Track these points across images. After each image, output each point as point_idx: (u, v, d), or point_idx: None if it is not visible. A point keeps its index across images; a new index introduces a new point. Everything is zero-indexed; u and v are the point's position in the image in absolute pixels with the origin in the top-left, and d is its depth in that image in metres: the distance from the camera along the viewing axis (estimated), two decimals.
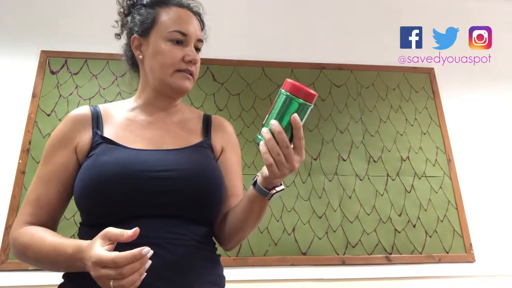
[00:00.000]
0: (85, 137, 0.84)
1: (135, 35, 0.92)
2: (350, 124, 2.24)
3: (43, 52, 2.17)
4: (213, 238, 0.89)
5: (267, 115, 0.68)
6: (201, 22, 0.98)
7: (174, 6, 0.91)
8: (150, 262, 0.63)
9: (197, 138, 0.92)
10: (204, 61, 2.24)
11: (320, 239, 1.97)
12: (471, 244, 2.04)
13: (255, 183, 0.76)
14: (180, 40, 0.88)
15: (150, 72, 0.90)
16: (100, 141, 0.83)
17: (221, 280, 0.84)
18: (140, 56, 0.92)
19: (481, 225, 2.09)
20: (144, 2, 0.92)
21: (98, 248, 0.63)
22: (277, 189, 0.75)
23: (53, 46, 2.19)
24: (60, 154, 0.83)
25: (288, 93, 0.66)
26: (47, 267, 0.76)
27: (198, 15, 0.96)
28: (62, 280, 0.79)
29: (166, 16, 0.89)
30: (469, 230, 2.06)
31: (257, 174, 0.76)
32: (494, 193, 2.18)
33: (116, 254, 0.60)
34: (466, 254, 2.01)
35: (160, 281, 0.71)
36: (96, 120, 0.86)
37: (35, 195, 0.81)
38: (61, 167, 0.82)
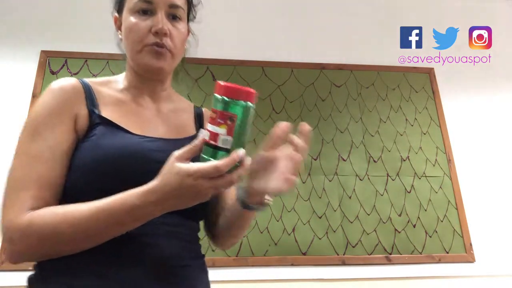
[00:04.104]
0: (83, 113, 0.73)
1: (115, 14, 0.84)
2: (350, 124, 2.24)
3: (43, 52, 2.17)
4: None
5: (211, 125, 0.57)
6: None
7: None
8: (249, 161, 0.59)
9: (191, 130, 0.85)
10: (204, 61, 2.25)
11: (320, 239, 1.97)
12: (471, 244, 2.04)
13: (241, 201, 0.73)
14: (146, 9, 0.77)
15: (126, 51, 0.82)
16: (98, 121, 0.73)
17: (208, 281, 0.78)
18: (120, 36, 0.83)
19: (481, 225, 2.08)
20: None
21: (184, 165, 0.57)
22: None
23: (53, 46, 2.19)
24: (59, 129, 0.70)
25: (228, 99, 0.56)
26: (96, 235, 0.62)
27: None
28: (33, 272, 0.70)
29: None
30: (469, 230, 2.06)
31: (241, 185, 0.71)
32: (494, 193, 2.18)
33: (216, 161, 0.56)
34: (466, 254, 2.01)
35: (151, 274, 0.65)
36: (90, 96, 0.76)
37: (35, 175, 0.66)
38: (64, 144, 0.70)
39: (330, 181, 2.10)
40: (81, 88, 0.76)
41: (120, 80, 0.85)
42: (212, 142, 0.56)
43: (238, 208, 0.74)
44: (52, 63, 2.15)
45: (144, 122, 0.79)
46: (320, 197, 2.05)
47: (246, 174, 0.58)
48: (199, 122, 0.89)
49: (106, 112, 0.75)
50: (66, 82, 0.75)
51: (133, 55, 0.79)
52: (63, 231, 0.62)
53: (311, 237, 1.97)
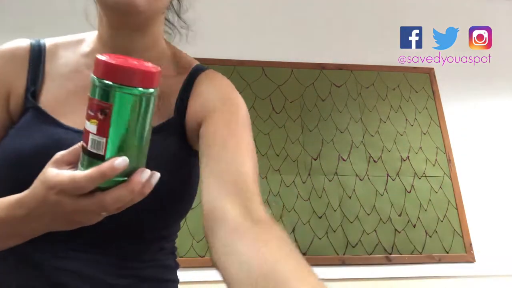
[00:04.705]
0: (19, 87, 0.58)
1: None
2: (350, 124, 2.24)
3: None
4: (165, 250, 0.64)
5: (86, 120, 0.40)
6: None
7: None
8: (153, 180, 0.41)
9: (166, 113, 0.61)
10: (204, 61, 2.24)
11: (320, 239, 1.97)
12: (471, 244, 2.04)
13: None
14: None
15: None
16: (29, 105, 0.57)
17: None
18: None
19: (481, 225, 2.08)
20: None
21: (52, 173, 0.40)
22: None
23: None
24: None
25: (105, 82, 0.38)
26: None
27: None
28: None
29: None
30: (469, 230, 2.06)
31: None
32: (494, 193, 2.18)
33: (77, 171, 0.39)
34: (466, 254, 2.01)
35: None
36: (36, 66, 0.60)
37: None
38: None
39: (330, 181, 2.10)
40: (27, 56, 0.61)
41: (92, 39, 0.66)
42: (84, 145, 0.39)
43: None
44: None
45: None
46: (320, 197, 2.05)
47: (137, 197, 0.40)
48: (183, 95, 0.62)
49: (49, 90, 0.59)
50: (10, 46, 0.62)
51: None
52: None
53: (311, 237, 1.97)
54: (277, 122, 2.15)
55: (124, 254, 0.56)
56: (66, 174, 0.39)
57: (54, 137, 0.54)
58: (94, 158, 0.39)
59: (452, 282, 1.96)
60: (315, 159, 2.13)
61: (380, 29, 2.50)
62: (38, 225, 0.44)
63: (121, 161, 0.38)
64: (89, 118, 0.38)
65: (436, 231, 2.05)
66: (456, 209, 2.11)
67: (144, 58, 0.57)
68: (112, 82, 0.37)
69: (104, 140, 0.38)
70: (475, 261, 2.00)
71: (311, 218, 2.01)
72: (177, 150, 0.59)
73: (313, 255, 1.93)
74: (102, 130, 0.38)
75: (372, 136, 2.23)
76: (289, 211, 2.00)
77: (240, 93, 0.63)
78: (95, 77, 0.38)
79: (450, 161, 2.22)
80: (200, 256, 1.82)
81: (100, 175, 0.38)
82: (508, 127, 2.36)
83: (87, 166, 0.39)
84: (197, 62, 0.69)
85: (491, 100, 2.42)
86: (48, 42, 0.64)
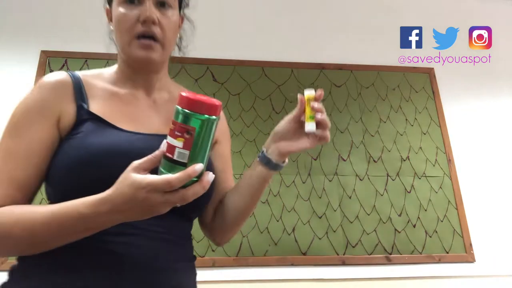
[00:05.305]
0: (69, 110, 0.72)
1: (107, 6, 0.84)
2: (350, 124, 2.24)
3: (43, 52, 2.17)
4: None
5: (170, 137, 0.55)
6: None
7: None
8: (212, 177, 0.57)
9: None
10: (204, 61, 2.25)
11: (320, 239, 1.97)
12: (471, 244, 2.04)
13: (267, 162, 0.77)
14: None
15: (117, 43, 0.81)
16: (86, 117, 0.71)
17: (195, 283, 0.79)
18: (112, 28, 0.82)
19: (481, 225, 2.08)
20: None
21: (139, 177, 0.54)
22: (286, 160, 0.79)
23: (53, 46, 2.19)
24: (38, 127, 0.70)
25: (187, 111, 0.54)
26: (49, 241, 0.61)
27: None
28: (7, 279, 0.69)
29: None
30: (469, 230, 2.06)
31: (263, 150, 0.80)
32: (494, 193, 2.18)
33: (169, 175, 0.53)
34: (466, 254, 2.01)
35: (132, 277, 0.64)
36: (79, 90, 0.74)
37: (7, 174, 0.66)
38: (41, 143, 0.69)
39: (330, 181, 2.10)
40: (70, 83, 0.74)
41: (114, 71, 0.83)
42: (169, 155, 0.54)
43: (259, 174, 0.78)
44: (52, 63, 2.15)
45: (138, 116, 0.78)
46: (320, 197, 2.05)
47: (203, 191, 0.55)
48: None
49: (97, 106, 0.74)
50: (53, 77, 0.74)
51: (123, 46, 0.78)
52: (15, 234, 0.60)
53: (311, 237, 1.97)
54: (277, 122, 2.13)
55: (181, 236, 0.74)
56: (156, 177, 0.53)
57: (122, 138, 0.70)
58: (178, 165, 0.54)
59: (452, 282, 1.96)
60: (315, 159, 2.13)
61: (380, 29, 2.50)
62: (116, 218, 0.57)
63: (200, 167, 0.54)
64: (175, 136, 0.54)
65: (436, 231, 2.05)
66: (456, 209, 2.11)
67: (156, 87, 0.84)
68: (193, 111, 0.53)
69: (188, 152, 0.54)
70: (475, 261, 2.00)
71: (311, 218, 2.01)
72: None
73: (313, 255, 1.93)
74: (187, 145, 0.54)
75: (372, 136, 2.23)
76: (289, 211, 2.00)
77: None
78: (179, 107, 0.54)
79: (450, 161, 2.22)
80: (200, 256, 1.82)
81: (186, 177, 0.53)
82: (508, 127, 2.36)
83: (170, 171, 0.54)
84: None
85: (491, 100, 2.42)
86: (79, 73, 0.78)
